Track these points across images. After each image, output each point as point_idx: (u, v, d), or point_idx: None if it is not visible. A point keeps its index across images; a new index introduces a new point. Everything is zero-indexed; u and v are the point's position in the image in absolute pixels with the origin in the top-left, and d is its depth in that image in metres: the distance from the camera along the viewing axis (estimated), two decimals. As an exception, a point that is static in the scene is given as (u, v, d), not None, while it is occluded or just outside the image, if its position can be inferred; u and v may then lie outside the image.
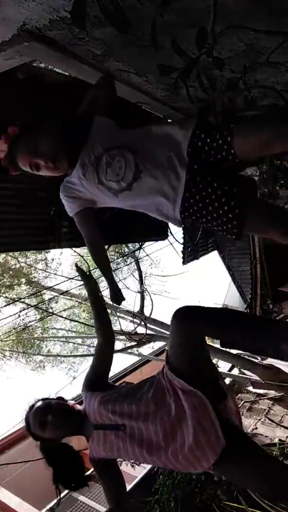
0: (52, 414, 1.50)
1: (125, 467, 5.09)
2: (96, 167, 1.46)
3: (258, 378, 5.32)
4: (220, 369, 4.28)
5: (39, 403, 1.57)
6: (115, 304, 1.77)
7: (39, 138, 1.44)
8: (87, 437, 1.57)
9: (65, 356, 8.73)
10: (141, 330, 6.48)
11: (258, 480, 1.31)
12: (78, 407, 1.60)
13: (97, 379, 1.62)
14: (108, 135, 1.50)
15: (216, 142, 1.35)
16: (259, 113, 1.61)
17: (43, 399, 1.60)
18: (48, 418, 1.50)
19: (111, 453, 1.48)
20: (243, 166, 1.45)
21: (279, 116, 1.40)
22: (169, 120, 1.47)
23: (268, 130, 1.29)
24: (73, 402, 1.65)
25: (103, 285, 1.88)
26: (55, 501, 5.25)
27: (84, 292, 10.64)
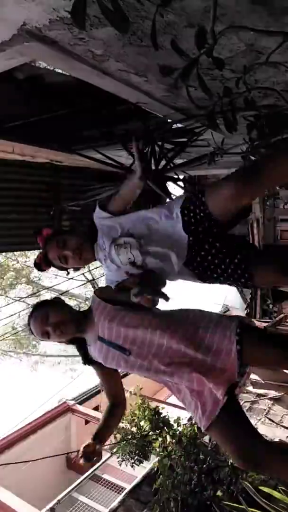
0: (52, 325, 1.59)
1: (125, 467, 5.10)
2: (110, 258, 1.70)
3: (258, 378, 5.32)
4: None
5: (37, 313, 1.65)
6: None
7: (68, 235, 1.75)
8: (85, 337, 1.67)
9: (65, 356, 8.73)
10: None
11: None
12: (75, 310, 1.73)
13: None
14: (108, 228, 1.71)
15: (198, 208, 1.54)
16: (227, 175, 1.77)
17: (40, 305, 1.70)
18: (49, 329, 1.59)
19: (109, 364, 1.60)
20: (230, 225, 1.64)
21: (240, 172, 1.54)
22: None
23: (231, 187, 1.44)
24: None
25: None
26: (55, 501, 5.25)
27: (84, 292, 10.65)
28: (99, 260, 1.77)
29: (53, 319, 1.60)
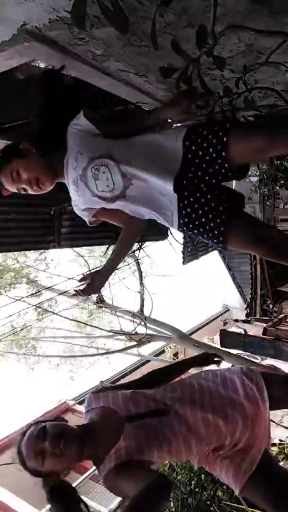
0: (49, 441, 1.23)
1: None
2: (85, 182, 1.49)
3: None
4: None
5: (32, 429, 1.32)
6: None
7: (19, 165, 1.48)
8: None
9: (64, 357, 8.73)
10: (141, 330, 6.49)
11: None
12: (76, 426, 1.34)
13: None
14: (88, 144, 1.48)
15: (209, 155, 1.35)
16: (254, 120, 1.63)
17: (35, 424, 1.35)
18: (45, 446, 1.23)
19: (148, 443, 1.25)
20: (233, 176, 1.46)
21: (273, 121, 1.43)
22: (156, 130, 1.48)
23: (263, 138, 1.29)
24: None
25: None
26: (55, 501, 5.25)
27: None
28: (67, 183, 1.57)
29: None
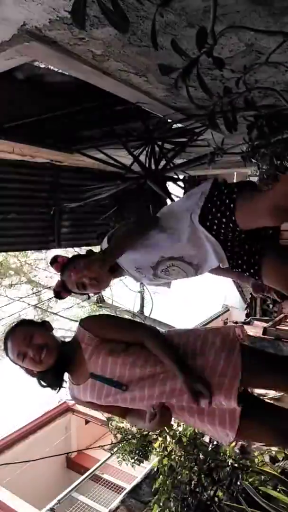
0: (34, 347, 1.42)
1: (125, 466, 5.10)
2: (159, 277, 1.77)
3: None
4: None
5: (21, 329, 1.48)
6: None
7: (84, 260, 1.65)
8: (74, 375, 1.53)
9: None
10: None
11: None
12: (62, 340, 1.56)
13: None
14: (138, 255, 1.72)
15: (224, 220, 1.53)
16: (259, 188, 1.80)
17: (25, 322, 1.53)
18: (29, 350, 1.42)
19: (105, 402, 1.48)
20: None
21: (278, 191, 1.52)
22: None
23: (267, 208, 1.43)
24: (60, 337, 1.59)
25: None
26: (55, 501, 5.26)
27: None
28: (138, 281, 1.87)
29: (38, 340, 1.43)
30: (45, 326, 1.55)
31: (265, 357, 1.57)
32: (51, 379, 1.51)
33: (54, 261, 1.70)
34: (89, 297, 1.79)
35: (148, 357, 1.45)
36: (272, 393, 5.24)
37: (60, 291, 1.71)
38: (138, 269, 1.74)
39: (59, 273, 1.70)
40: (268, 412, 1.50)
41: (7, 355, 1.48)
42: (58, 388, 1.53)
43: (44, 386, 1.51)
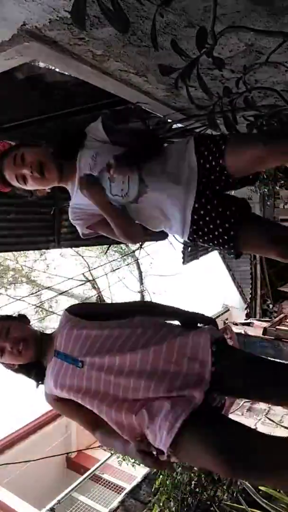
0: (11, 341, 1.36)
1: (125, 466, 5.10)
2: (99, 182, 1.44)
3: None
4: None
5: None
6: None
7: (25, 149, 1.43)
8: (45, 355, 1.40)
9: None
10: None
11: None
12: (40, 332, 1.48)
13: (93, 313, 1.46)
14: (110, 149, 1.46)
15: (209, 163, 1.37)
16: (250, 132, 1.67)
17: (0, 318, 1.46)
18: (6, 345, 1.36)
19: (60, 387, 1.31)
20: (238, 186, 1.48)
21: (271, 133, 1.47)
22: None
23: (261, 147, 1.30)
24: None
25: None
26: (55, 501, 5.25)
27: (83, 291, 10.66)
28: (75, 185, 1.49)
29: (14, 333, 1.37)
30: (21, 319, 1.49)
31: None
32: (34, 372, 1.44)
33: None
34: (31, 195, 1.53)
35: (125, 338, 1.27)
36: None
37: None
38: (97, 155, 1.45)
39: None
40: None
41: None
42: (39, 382, 1.44)
43: (30, 378, 1.46)
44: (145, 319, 1.37)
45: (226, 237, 1.38)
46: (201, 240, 1.45)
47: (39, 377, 1.43)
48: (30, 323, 1.52)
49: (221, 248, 1.43)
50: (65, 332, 1.36)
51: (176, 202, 1.40)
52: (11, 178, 1.44)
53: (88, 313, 1.43)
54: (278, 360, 1.32)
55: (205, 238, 1.43)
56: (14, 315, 1.54)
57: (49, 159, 1.44)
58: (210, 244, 1.45)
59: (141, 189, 1.41)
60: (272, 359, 1.37)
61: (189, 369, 1.21)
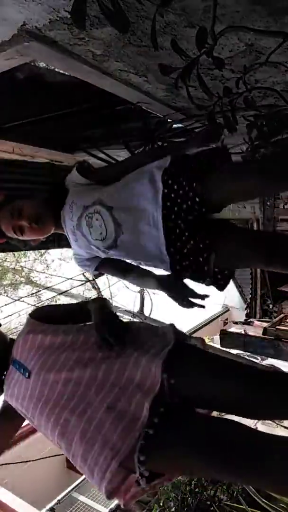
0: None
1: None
2: (81, 232, 1.47)
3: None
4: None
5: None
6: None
7: (23, 202, 1.48)
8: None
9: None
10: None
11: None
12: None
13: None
14: (81, 193, 1.49)
15: (183, 190, 1.29)
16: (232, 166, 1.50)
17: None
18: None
19: (6, 395, 1.28)
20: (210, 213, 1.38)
21: (263, 164, 1.38)
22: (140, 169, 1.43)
23: (253, 180, 1.26)
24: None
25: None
26: (55, 501, 5.25)
27: (83, 292, 10.67)
28: (66, 233, 1.55)
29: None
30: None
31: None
32: None
33: None
34: (25, 245, 1.60)
35: (82, 343, 1.21)
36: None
37: None
38: (73, 203, 1.48)
39: None
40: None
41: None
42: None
43: None
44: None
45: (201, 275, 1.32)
46: (189, 274, 1.36)
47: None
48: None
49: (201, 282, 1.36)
50: (21, 338, 1.30)
51: (151, 242, 1.34)
52: (7, 230, 1.48)
53: (50, 316, 1.37)
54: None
55: (188, 275, 1.35)
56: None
57: (45, 210, 1.50)
58: (194, 280, 1.37)
59: (117, 230, 1.37)
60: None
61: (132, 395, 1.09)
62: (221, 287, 1.38)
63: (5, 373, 1.32)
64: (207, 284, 1.35)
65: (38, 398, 1.17)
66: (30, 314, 1.40)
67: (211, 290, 1.42)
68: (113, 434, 1.03)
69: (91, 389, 1.12)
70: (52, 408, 1.14)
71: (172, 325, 1.29)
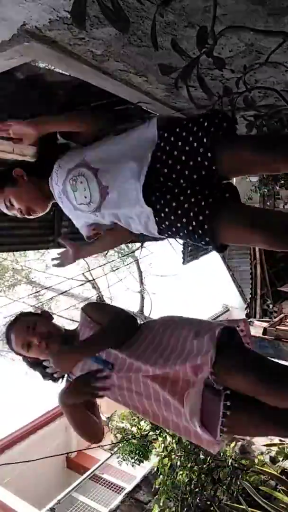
0: (38, 336, 1.43)
1: (125, 466, 5.10)
2: (67, 196, 1.45)
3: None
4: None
5: (24, 320, 1.49)
6: None
7: (11, 194, 1.51)
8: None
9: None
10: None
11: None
12: (64, 328, 1.57)
13: None
14: (66, 157, 1.47)
15: (195, 141, 1.24)
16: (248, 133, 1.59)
17: (27, 314, 1.57)
18: (33, 340, 1.43)
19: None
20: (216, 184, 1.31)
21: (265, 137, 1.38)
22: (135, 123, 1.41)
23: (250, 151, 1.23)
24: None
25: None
26: (55, 501, 5.26)
27: (83, 291, 10.67)
28: (57, 200, 1.54)
29: (41, 328, 1.45)
30: (45, 315, 1.57)
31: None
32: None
33: None
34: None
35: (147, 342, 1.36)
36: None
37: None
38: (58, 168, 1.46)
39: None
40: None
41: (10, 347, 1.49)
42: (61, 379, 1.51)
43: (47, 378, 1.50)
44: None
45: (200, 232, 1.22)
46: (176, 236, 1.33)
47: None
48: (54, 319, 1.58)
49: (199, 243, 1.28)
50: (86, 333, 1.44)
51: (136, 197, 1.28)
52: (9, 213, 1.58)
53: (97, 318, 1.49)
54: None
55: (180, 234, 1.29)
56: (38, 312, 1.63)
57: (34, 198, 1.53)
58: (188, 239, 1.31)
59: (102, 192, 1.35)
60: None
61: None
62: (220, 248, 1.30)
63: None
64: (206, 244, 1.27)
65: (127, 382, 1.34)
66: (83, 309, 1.56)
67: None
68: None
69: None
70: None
71: None
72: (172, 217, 1.26)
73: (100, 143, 1.43)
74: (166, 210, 1.26)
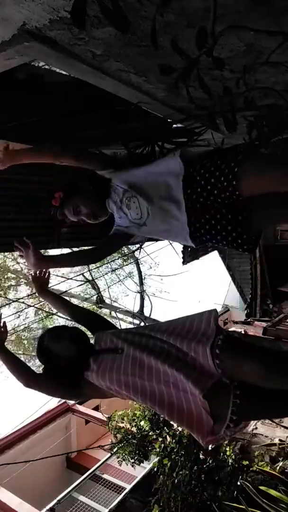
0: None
1: (125, 466, 5.10)
2: (124, 211, 1.72)
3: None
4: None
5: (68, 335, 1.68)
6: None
7: (79, 201, 1.76)
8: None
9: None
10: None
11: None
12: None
13: None
14: (119, 177, 1.70)
15: (221, 175, 1.45)
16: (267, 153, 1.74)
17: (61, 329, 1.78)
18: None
19: (103, 378, 1.52)
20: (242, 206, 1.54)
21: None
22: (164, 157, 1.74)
23: (278, 174, 1.39)
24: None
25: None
26: (55, 501, 5.26)
27: (83, 291, 10.67)
28: (113, 212, 1.80)
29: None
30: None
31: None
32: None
33: (53, 197, 1.85)
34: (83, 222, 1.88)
35: None
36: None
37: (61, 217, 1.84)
38: (116, 188, 1.71)
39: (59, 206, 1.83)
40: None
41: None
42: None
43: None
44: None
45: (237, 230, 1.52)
46: (210, 241, 1.58)
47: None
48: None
49: (235, 240, 1.54)
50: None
51: (174, 215, 1.57)
52: (73, 219, 1.81)
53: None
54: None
55: (218, 236, 1.55)
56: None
57: (99, 206, 1.77)
58: (224, 241, 1.56)
59: (148, 210, 1.61)
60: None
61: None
62: (250, 250, 1.56)
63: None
64: (243, 251, 1.55)
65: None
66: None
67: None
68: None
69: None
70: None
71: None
72: (209, 223, 1.55)
73: (137, 169, 1.69)
74: (202, 230, 1.57)
